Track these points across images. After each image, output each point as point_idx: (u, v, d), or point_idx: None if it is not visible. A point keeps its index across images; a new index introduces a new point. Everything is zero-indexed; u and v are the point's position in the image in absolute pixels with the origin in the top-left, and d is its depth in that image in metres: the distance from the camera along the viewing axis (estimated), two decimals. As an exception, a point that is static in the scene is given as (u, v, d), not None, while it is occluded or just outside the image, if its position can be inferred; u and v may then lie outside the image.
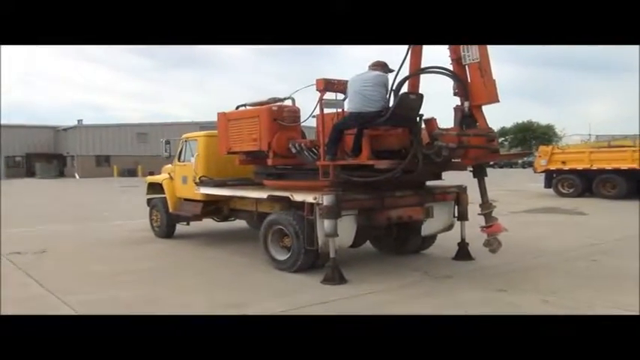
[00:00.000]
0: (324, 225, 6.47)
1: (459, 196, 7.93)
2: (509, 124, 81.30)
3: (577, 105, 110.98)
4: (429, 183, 7.94)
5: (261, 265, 7.57)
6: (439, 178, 7.90)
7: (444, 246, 8.26)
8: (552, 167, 19.91)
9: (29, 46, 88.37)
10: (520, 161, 55.59)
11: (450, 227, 7.98)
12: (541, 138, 73.00)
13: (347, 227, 6.73)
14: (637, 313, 5.09)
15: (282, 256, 7.31)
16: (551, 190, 20.04)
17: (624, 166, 17.77)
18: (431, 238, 8.18)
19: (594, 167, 18.56)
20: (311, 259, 6.95)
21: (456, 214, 7.94)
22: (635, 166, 17.44)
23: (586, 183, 18.92)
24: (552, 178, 20.11)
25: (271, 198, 7.60)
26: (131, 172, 51.27)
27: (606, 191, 18.28)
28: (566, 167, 19.44)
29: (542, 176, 20.65)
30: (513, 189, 22.98)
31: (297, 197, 6.97)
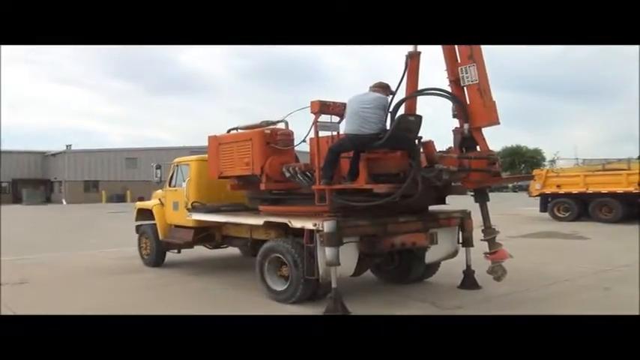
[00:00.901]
0: (324, 253, 6.11)
1: (463, 221, 7.61)
2: (497, 149, 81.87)
3: (559, 130, 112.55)
4: (431, 207, 7.63)
5: (256, 297, 7.15)
6: (443, 202, 7.59)
7: (447, 273, 7.90)
8: (547, 191, 19.80)
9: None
10: (510, 185, 55.70)
11: (454, 254, 7.65)
12: (530, 162, 73.40)
13: (349, 255, 6.37)
14: (637, 313, 5.01)
15: (279, 287, 6.91)
16: (546, 214, 19.88)
17: (620, 189, 17.66)
18: (434, 266, 7.83)
19: (590, 191, 18.43)
20: (311, 290, 6.57)
21: (461, 240, 7.61)
22: (631, 189, 17.32)
23: (582, 207, 18.78)
24: (548, 202, 19.97)
25: (268, 224, 7.24)
26: (120, 198, 50.65)
27: (603, 215, 18.12)
28: (562, 191, 19.33)
29: (537, 200, 20.51)
30: (508, 213, 22.76)
31: (296, 223, 6.62)
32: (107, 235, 16.81)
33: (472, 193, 7.10)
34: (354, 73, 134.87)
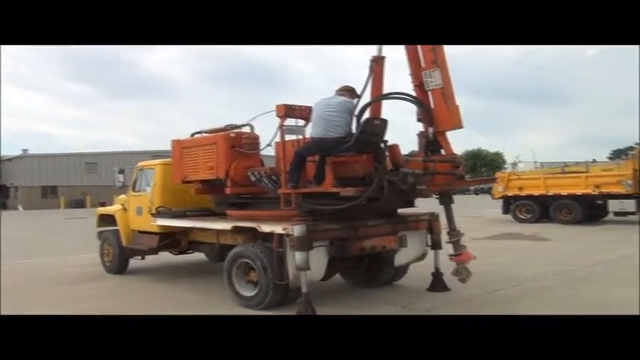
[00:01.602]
0: (294, 257, 6.01)
1: (431, 224, 7.64)
2: (459, 152, 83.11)
3: (517, 134, 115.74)
4: (400, 210, 7.63)
5: (225, 304, 6.97)
6: (411, 205, 7.59)
7: (416, 276, 7.90)
8: (510, 193, 20.22)
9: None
10: (472, 188, 56.72)
11: (422, 257, 7.67)
12: (490, 165, 74.90)
13: (318, 259, 6.30)
14: (637, 313, 5.04)
15: (248, 292, 6.76)
16: (509, 216, 20.28)
17: (579, 191, 18.17)
18: (403, 269, 7.82)
19: (550, 193, 18.92)
20: (281, 295, 6.46)
21: (429, 243, 7.63)
22: (589, 191, 17.85)
23: (543, 208, 19.25)
24: (510, 204, 20.39)
25: (236, 229, 7.08)
26: (79, 204, 49.29)
27: (563, 216, 18.61)
28: (523, 193, 19.76)
29: (499, 202, 20.90)
30: (471, 215, 23.09)
31: (265, 228, 6.49)
32: (65, 242, 16.24)
33: (437, 196, 7.14)
34: (318, 76, 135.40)
